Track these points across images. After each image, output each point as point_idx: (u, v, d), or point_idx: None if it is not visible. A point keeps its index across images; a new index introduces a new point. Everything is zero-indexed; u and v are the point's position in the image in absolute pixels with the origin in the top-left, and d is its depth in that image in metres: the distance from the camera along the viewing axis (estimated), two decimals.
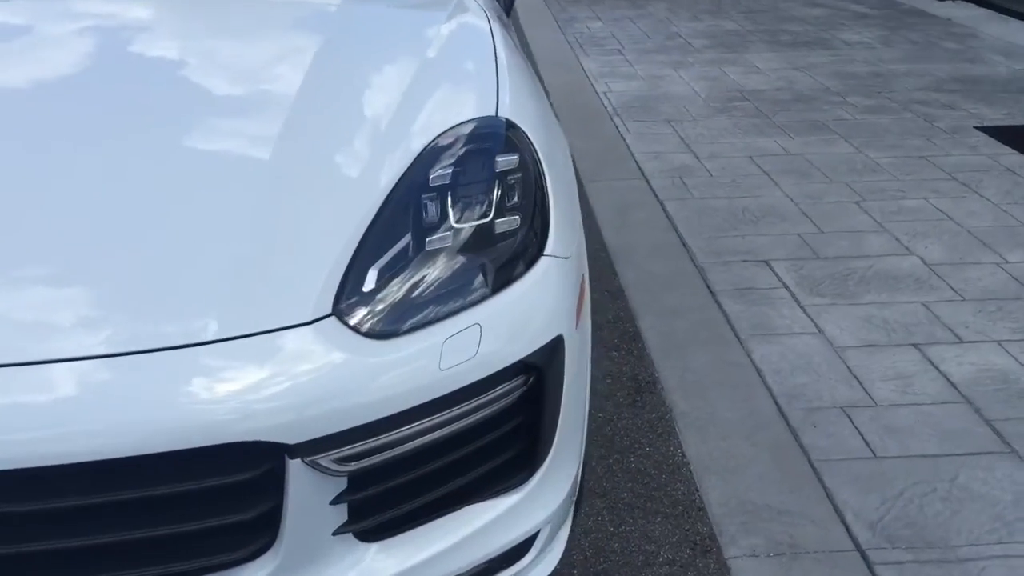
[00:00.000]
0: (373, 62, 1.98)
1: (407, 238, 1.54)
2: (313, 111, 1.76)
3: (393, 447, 1.41)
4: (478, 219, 1.61)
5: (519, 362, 1.52)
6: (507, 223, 1.63)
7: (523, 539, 1.63)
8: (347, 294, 1.43)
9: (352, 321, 1.40)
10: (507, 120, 1.75)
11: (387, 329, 1.42)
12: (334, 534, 1.42)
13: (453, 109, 1.76)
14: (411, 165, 1.62)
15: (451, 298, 1.49)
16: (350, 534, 1.45)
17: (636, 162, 4.71)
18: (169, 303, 1.35)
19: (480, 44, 2.06)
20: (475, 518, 1.56)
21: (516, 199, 1.66)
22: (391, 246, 1.52)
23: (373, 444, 1.39)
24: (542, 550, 1.68)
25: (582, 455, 1.81)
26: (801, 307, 3.30)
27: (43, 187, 1.53)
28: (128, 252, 1.42)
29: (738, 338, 3.11)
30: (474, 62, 1.95)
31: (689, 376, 2.91)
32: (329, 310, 1.40)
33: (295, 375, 1.34)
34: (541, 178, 1.71)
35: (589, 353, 1.82)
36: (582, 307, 1.74)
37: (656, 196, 4.29)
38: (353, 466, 1.38)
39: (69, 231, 1.45)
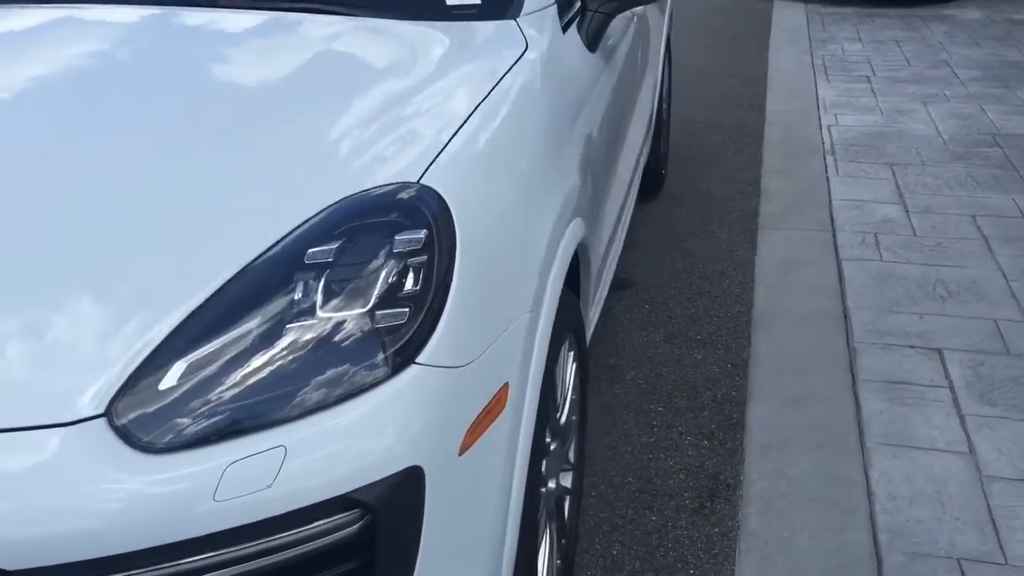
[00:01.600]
0: (339, 93, 1.73)
1: (249, 325, 1.29)
2: (236, 138, 1.56)
3: None
4: (354, 309, 1.32)
5: (338, 498, 1.22)
6: (391, 316, 1.33)
7: None
8: (135, 390, 1.20)
9: (123, 426, 1.18)
10: (428, 189, 1.45)
11: (160, 442, 1.18)
12: None
13: (379, 168, 1.48)
14: (290, 234, 1.37)
15: (261, 410, 1.22)
16: None
17: (830, 210, 4.13)
18: None
19: (461, 95, 1.75)
20: None
21: (412, 287, 1.36)
22: (222, 333, 1.27)
23: None
24: None
25: None
26: (960, 415, 2.68)
27: None
28: None
29: (862, 445, 2.57)
30: (435, 116, 1.65)
31: (780, 485, 2.43)
32: (101, 410, 1.18)
33: (30, 488, 1.13)
34: (451, 263, 1.40)
35: (507, 485, 1.48)
36: (489, 425, 1.41)
37: (836, 254, 3.72)
38: None
39: None
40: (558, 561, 2.02)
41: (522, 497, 1.53)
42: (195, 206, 1.42)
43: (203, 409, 1.21)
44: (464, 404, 1.36)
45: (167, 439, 1.18)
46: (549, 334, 1.61)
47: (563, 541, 2.05)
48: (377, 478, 1.24)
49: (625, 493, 2.44)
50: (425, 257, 1.38)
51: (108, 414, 1.18)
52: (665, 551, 2.26)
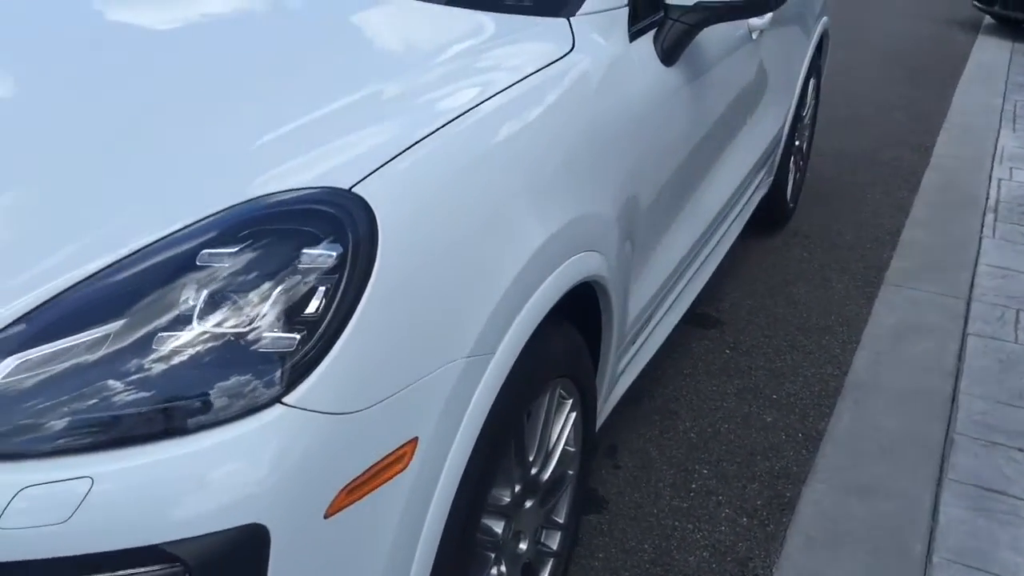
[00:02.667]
0: (324, 74, 1.54)
1: (110, 327, 1.12)
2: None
3: None
4: (236, 326, 1.14)
5: (147, 548, 1.04)
6: (278, 341, 1.14)
7: None
8: None
9: None
10: (357, 199, 1.23)
11: None
12: None
13: (314, 166, 1.28)
14: (186, 228, 1.19)
15: (79, 429, 1.05)
16: None
17: (972, 275, 3.66)
18: None
19: (462, 90, 1.52)
20: None
21: (311, 312, 1.16)
22: (75, 332, 1.11)
23: None
24: None
25: None
26: None
27: None
28: None
29: (927, 559, 2.20)
30: (417, 112, 1.43)
31: None
32: None
33: None
34: (362, 290, 1.19)
35: (402, 558, 1.26)
36: (379, 486, 1.19)
37: (964, 326, 3.27)
38: None
39: None
40: None
41: (431, 564, 1.31)
42: (95, 176, 1.27)
43: (16, 418, 1.05)
44: (343, 458, 1.15)
45: None
46: (501, 381, 1.38)
47: None
48: (200, 532, 1.05)
49: (635, 561, 2.17)
50: (335, 279, 1.18)
51: None
52: None
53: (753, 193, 3.29)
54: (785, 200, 3.89)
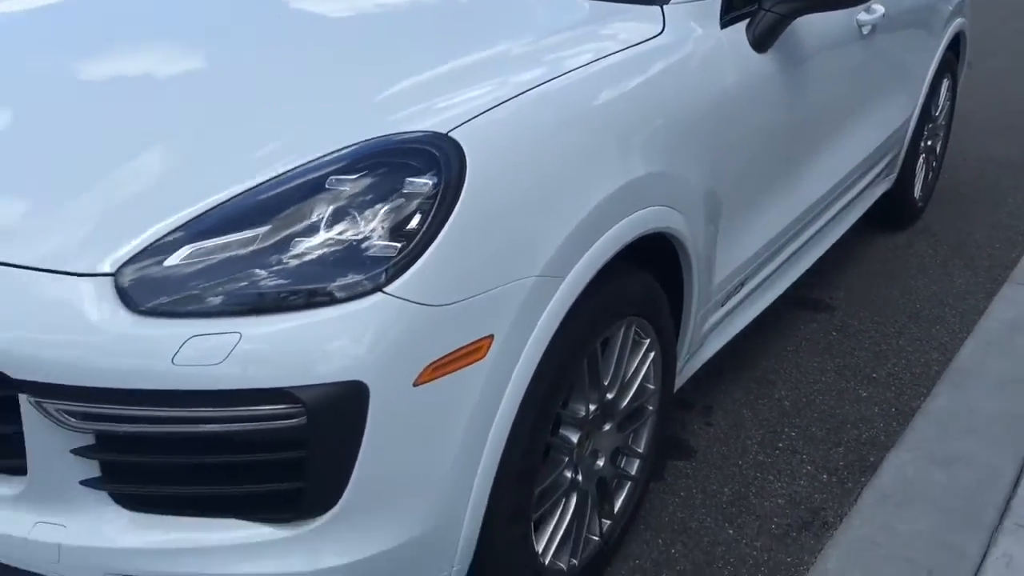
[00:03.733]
0: (436, 44, 1.93)
1: (260, 230, 1.48)
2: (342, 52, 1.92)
3: (127, 422, 1.41)
4: (351, 237, 1.48)
5: (276, 390, 1.39)
6: (382, 248, 1.47)
7: None
8: (143, 260, 1.44)
9: (123, 287, 1.42)
10: (451, 142, 1.55)
11: (145, 305, 1.41)
12: (82, 483, 1.47)
13: (422, 117, 1.61)
14: (322, 158, 1.54)
15: (234, 298, 1.41)
16: (106, 493, 1.48)
17: None
18: (6, 211, 1.56)
19: (549, 61, 1.82)
20: (236, 532, 1.48)
21: (410, 227, 1.49)
22: (235, 231, 1.48)
23: (99, 410, 1.40)
24: None
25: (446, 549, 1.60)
26: None
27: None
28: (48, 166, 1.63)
29: (997, 523, 2.32)
30: (508, 76, 1.74)
31: (879, 537, 2.26)
32: (112, 269, 1.43)
33: (35, 316, 1.41)
34: (451, 213, 1.50)
35: (478, 432, 1.56)
36: (460, 368, 1.50)
37: None
38: (86, 425, 1.42)
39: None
40: (595, 537, 2.06)
41: (500, 451, 1.60)
42: (254, 114, 1.68)
43: (189, 289, 1.42)
44: (429, 339, 1.46)
45: (150, 305, 1.40)
46: (569, 303, 1.66)
47: (604, 521, 2.08)
48: (317, 383, 1.39)
49: (714, 502, 2.39)
50: (430, 203, 1.50)
51: (115, 275, 1.42)
52: (724, 564, 2.20)
53: (868, 186, 3.41)
54: (913, 198, 3.97)
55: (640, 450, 2.16)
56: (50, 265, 1.44)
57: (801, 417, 2.75)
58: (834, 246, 3.25)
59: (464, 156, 1.55)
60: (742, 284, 2.50)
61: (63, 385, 1.39)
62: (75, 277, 1.43)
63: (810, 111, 2.62)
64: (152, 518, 1.49)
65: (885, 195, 3.68)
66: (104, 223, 1.49)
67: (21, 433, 1.45)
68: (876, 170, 3.41)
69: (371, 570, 1.52)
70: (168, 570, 1.48)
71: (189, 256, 1.45)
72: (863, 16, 2.83)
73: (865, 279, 3.60)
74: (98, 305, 1.41)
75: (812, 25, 2.51)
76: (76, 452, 1.45)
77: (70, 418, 1.41)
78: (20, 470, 1.49)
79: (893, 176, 3.69)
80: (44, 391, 1.40)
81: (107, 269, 1.43)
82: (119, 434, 1.43)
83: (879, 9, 2.91)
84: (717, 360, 2.68)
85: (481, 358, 1.54)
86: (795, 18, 2.30)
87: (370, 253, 1.46)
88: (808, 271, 3.06)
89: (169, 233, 1.47)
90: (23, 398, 1.41)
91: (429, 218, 1.49)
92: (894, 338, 3.20)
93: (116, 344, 1.39)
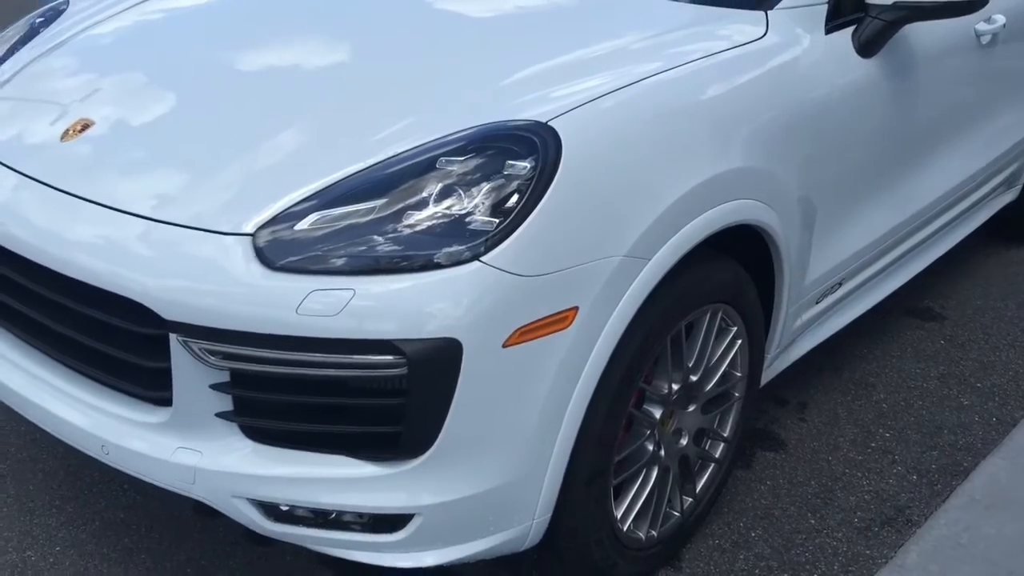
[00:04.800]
0: (547, 43, 2.10)
1: (378, 202, 1.68)
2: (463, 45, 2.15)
3: (257, 362, 1.64)
4: (456, 211, 1.67)
5: (383, 341, 1.58)
6: (482, 223, 1.65)
7: (389, 513, 1.70)
8: (277, 224, 1.67)
9: (259, 246, 1.64)
10: (550, 130, 1.71)
11: (277, 263, 1.63)
12: (217, 415, 1.71)
13: (528, 107, 1.79)
14: (435, 141, 1.74)
15: (352, 261, 1.62)
16: (235, 425, 1.72)
17: None
18: (167, 178, 1.82)
19: (653, 60, 1.96)
20: (342, 468, 1.69)
21: (509, 205, 1.66)
22: (357, 202, 1.69)
23: (235, 351, 1.63)
24: (422, 541, 1.72)
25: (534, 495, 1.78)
26: None
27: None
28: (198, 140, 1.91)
29: None
30: (611, 72, 1.90)
31: (963, 538, 2.30)
32: (251, 231, 1.67)
33: (186, 267, 1.66)
34: (544, 192, 1.67)
35: (560, 394, 1.72)
36: (547, 335, 1.67)
37: None
38: (224, 363, 1.65)
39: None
40: (676, 512, 2.18)
41: (581, 415, 1.76)
42: (383, 100, 1.92)
43: (314, 250, 1.64)
44: (519, 305, 1.63)
45: (281, 262, 1.63)
46: (653, 283, 1.80)
47: (686, 499, 2.20)
48: (418, 337, 1.58)
49: (799, 493, 2.48)
50: (528, 184, 1.67)
51: (253, 235, 1.66)
52: (802, 551, 2.29)
53: (987, 197, 3.40)
54: None
55: (725, 434, 2.27)
56: (201, 224, 1.69)
57: (897, 420, 2.79)
58: (950, 257, 3.25)
59: (560, 143, 1.71)
60: (839, 284, 2.57)
61: (207, 327, 1.62)
62: (221, 235, 1.67)
63: (919, 118, 2.66)
64: (273, 451, 1.72)
65: (1007, 207, 3.64)
66: (246, 191, 1.73)
67: (169, 369, 1.69)
68: (996, 181, 3.39)
69: (462, 510, 1.71)
70: (285, 496, 1.70)
71: (316, 222, 1.67)
72: (982, 26, 2.85)
73: (979, 291, 3.57)
74: (238, 260, 1.64)
75: (925, 33, 2.55)
76: (214, 387, 1.68)
77: (211, 356, 1.64)
78: (166, 402, 1.74)
79: (1017, 188, 3.65)
80: (191, 332, 1.64)
81: (247, 230, 1.67)
82: (250, 373, 1.66)
83: (1000, 19, 2.91)
84: (816, 360, 2.76)
85: (566, 327, 1.70)
86: (902, 26, 2.37)
87: (472, 227, 1.65)
88: (920, 280, 3.08)
89: (300, 202, 1.69)
90: (173, 338, 1.66)
91: (525, 198, 1.66)
92: (1004, 350, 3.19)
93: (251, 294, 1.62)
